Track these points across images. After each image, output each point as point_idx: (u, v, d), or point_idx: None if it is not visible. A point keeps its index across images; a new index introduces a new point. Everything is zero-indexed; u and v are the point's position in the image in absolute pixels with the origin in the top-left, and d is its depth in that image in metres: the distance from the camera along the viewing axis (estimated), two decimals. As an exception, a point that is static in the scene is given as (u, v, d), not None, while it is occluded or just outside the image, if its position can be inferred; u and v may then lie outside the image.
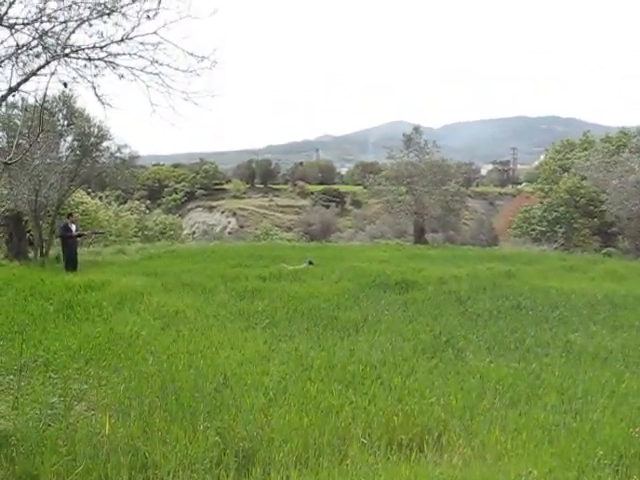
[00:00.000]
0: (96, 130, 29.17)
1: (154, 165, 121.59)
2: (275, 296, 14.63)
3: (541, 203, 44.64)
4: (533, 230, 44.05)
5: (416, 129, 42.80)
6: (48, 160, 26.82)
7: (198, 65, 6.93)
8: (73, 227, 22.38)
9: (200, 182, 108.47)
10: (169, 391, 7.23)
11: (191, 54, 6.77)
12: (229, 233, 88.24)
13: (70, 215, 23.45)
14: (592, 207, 40.17)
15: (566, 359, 9.15)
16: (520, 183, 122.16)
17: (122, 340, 10.07)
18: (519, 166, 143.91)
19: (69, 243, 22.05)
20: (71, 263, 21.51)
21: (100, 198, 47.63)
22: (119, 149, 30.09)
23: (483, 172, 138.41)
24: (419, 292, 15.49)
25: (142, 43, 6.72)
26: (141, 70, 7.06)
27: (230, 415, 6.44)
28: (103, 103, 7.44)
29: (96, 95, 7.36)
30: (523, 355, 9.36)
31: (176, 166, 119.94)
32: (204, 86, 7.28)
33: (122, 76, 7.23)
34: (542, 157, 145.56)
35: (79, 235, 23.40)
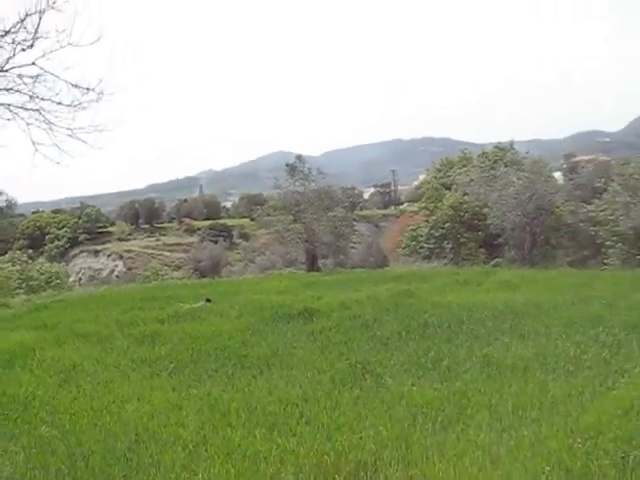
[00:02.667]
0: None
1: (33, 212, 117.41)
2: (176, 339, 13.96)
3: (427, 221, 45.61)
4: (422, 248, 44.90)
5: (298, 157, 42.89)
6: None
7: (83, 98, 6.38)
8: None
9: (83, 227, 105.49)
10: (77, 456, 6.57)
11: (75, 86, 6.24)
12: (117, 276, 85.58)
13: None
14: (476, 221, 41.38)
15: (487, 374, 9.06)
16: (402, 203, 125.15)
17: (16, 403, 9.23)
18: (400, 187, 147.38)
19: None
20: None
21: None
22: (-6, 198, 28.48)
23: (365, 196, 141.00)
24: (324, 320, 15.16)
25: (19, 76, 6.12)
26: (20, 107, 6.45)
27: (149, 476, 5.91)
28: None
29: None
30: (443, 374, 9.22)
31: (57, 212, 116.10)
32: (91, 121, 6.74)
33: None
34: (421, 177, 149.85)
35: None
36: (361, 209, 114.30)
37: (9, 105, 6.43)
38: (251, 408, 7.83)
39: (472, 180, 37.78)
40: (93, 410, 8.55)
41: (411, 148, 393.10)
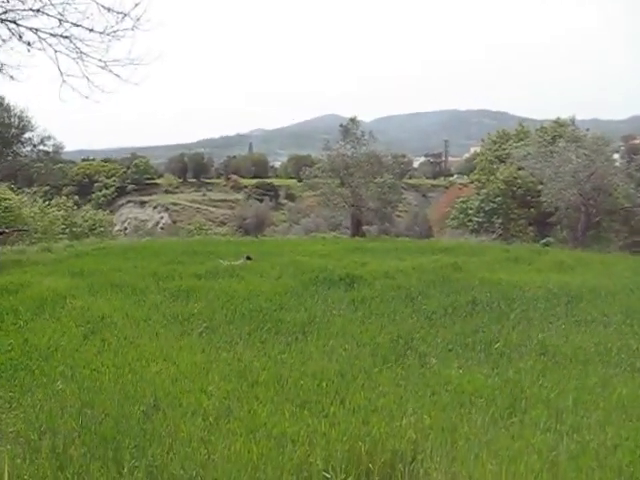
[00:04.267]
0: (17, 121, 27.19)
1: (83, 160, 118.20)
2: (212, 296, 13.42)
3: (478, 194, 44.32)
4: (470, 221, 43.71)
5: (352, 120, 41.83)
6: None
7: (118, 25, 5.67)
8: (-9, 225, 20.69)
9: (131, 177, 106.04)
10: (89, 419, 6.02)
11: (108, 10, 5.50)
12: (161, 229, 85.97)
13: (-13, 212, 21.68)
14: (529, 197, 40.05)
15: (543, 364, 8.26)
16: (452, 175, 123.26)
17: (38, 353, 8.77)
18: (450, 158, 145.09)
19: (-13, 242, 20.36)
20: (-10, 263, 19.85)
21: (29, 195, 45.41)
22: (42, 141, 28.14)
23: (415, 164, 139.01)
24: (366, 289, 14.45)
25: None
26: (48, 33, 5.78)
27: (163, 448, 5.32)
28: (3, 74, 6.16)
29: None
30: (494, 360, 8.43)
31: (106, 161, 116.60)
32: (126, 54, 6.03)
33: (29, 44, 5.97)
34: (473, 150, 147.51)
35: (-1, 233, 21.61)
36: (410, 177, 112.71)
37: (37, 30, 5.76)
38: (282, 380, 7.17)
39: (529, 154, 36.39)
40: (115, 367, 8.03)
41: (465, 119, 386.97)
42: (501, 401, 6.65)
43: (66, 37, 5.77)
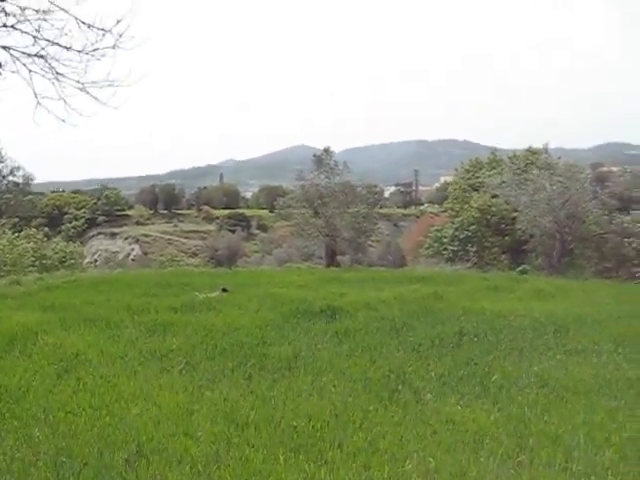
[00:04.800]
0: (-15, 152, 26.56)
1: (53, 192, 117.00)
2: (190, 330, 12.94)
3: (452, 223, 44.27)
4: (445, 250, 43.57)
5: (326, 150, 41.74)
6: None
7: (98, 44, 5.30)
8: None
9: (101, 208, 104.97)
10: (66, 469, 5.54)
11: (89, 26, 5.12)
12: (132, 260, 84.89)
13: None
14: (503, 225, 40.08)
15: (545, 397, 7.90)
16: (422, 204, 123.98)
17: (8, 394, 8.24)
18: (421, 188, 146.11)
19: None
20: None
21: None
22: (12, 171, 27.48)
23: (386, 194, 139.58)
24: (349, 320, 14.07)
25: (21, 8, 5.04)
26: (22, 52, 5.39)
27: (149, 502, 4.86)
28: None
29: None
30: (494, 394, 8.05)
31: (76, 192, 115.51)
32: (106, 75, 5.65)
33: (0, 65, 5.58)
34: (443, 179, 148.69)
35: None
36: (381, 207, 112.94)
37: (9, 48, 5.36)
38: (273, 422, 6.72)
39: (503, 182, 36.46)
40: (92, 408, 7.54)
41: (434, 149, 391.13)
42: (507, 440, 6.27)
43: (41, 57, 5.38)
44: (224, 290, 19.99)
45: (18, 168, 26.73)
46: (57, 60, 5.44)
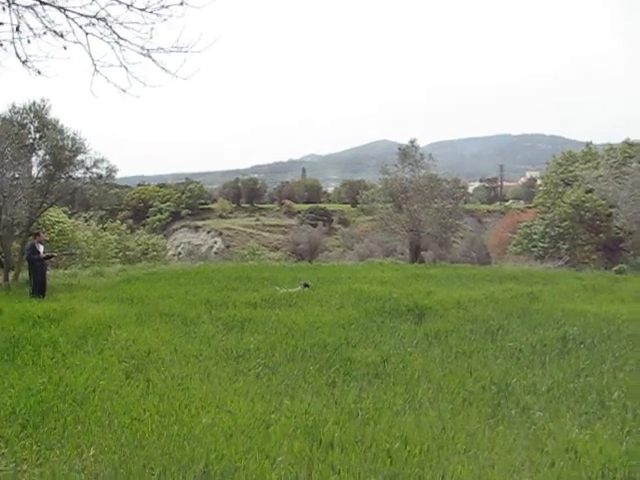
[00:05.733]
0: (70, 143, 26.53)
1: (139, 185, 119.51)
2: (269, 328, 12.21)
3: (542, 219, 42.33)
4: (535, 247, 41.72)
5: (412, 142, 40.51)
6: (16, 175, 24.45)
7: (163, 1, 4.49)
8: (41, 248, 19.85)
9: (185, 202, 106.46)
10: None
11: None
12: (215, 253, 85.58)
13: (37, 234, 20.82)
14: (598, 221, 37.98)
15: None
16: (507, 200, 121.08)
17: (74, 394, 7.63)
18: (505, 183, 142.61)
19: (36, 265, 19.50)
20: (38, 288, 18.98)
21: (85, 219, 45.36)
22: (95, 164, 27.27)
23: (470, 189, 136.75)
24: (439, 321, 13.05)
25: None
26: (78, 13, 4.63)
27: None
28: (28, 67, 5.04)
29: (17, 56, 4.97)
30: (621, 416, 6.85)
31: (161, 186, 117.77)
32: (173, 41, 4.85)
33: (62, 35, 4.84)
34: (529, 174, 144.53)
35: (47, 257, 20.74)
36: (465, 202, 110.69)
37: (65, 10, 4.61)
38: (363, 443, 5.79)
39: (600, 176, 34.42)
40: (160, 415, 6.82)
41: (519, 143, 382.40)
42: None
43: (101, 19, 4.63)
44: (305, 285, 19.29)
45: (102, 160, 26.45)
46: (119, 22, 4.68)
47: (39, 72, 5.16)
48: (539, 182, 59.34)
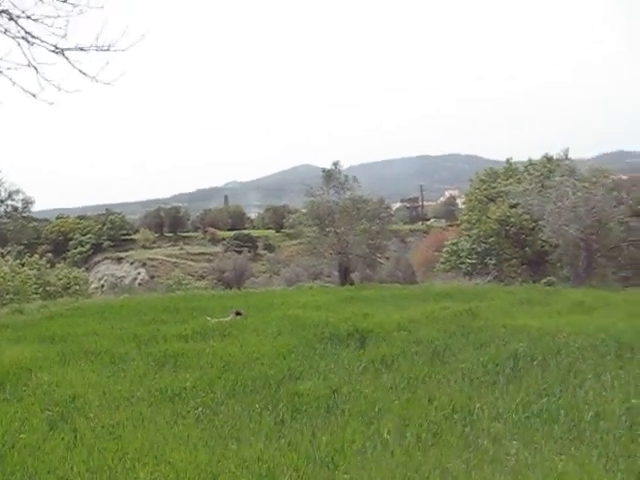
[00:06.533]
0: (-18, 176, 25.18)
1: (58, 218, 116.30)
2: (204, 362, 11.40)
3: (468, 236, 42.61)
4: (462, 263, 41.90)
5: (335, 164, 40.28)
6: None
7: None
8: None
9: (107, 233, 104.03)
10: None
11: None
12: (139, 284, 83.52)
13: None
14: (523, 236, 38.38)
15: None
16: (428, 220, 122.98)
17: (-10, 452, 6.72)
18: (426, 203, 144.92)
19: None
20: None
21: (1, 254, 43.30)
22: (10, 195, 25.93)
23: (391, 210, 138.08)
24: (383, 345, 12.43)
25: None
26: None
27: None
28: None
29: None
30: (603, 441, 6.23)
31: (81, 218, 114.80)
32: (94, 38, 4.14)
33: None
34: (448, 193, 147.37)
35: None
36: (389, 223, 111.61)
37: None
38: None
39: (527, 189, 34.76)
40: (90, 472, 6.00)
41: (437, 164, 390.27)
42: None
43: (3, 11, 3.88)
44: (238, 313, 18.47)
45: (17, 192, 25.22)
46: (26, 16, 3.95)
47: None
48: (463, 200, 60.05)
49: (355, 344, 12.79)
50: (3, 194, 25.22)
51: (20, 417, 8.11)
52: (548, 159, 40.67)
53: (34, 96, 4.29)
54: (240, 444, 6.58)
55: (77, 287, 50.68)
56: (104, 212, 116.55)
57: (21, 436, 7.25)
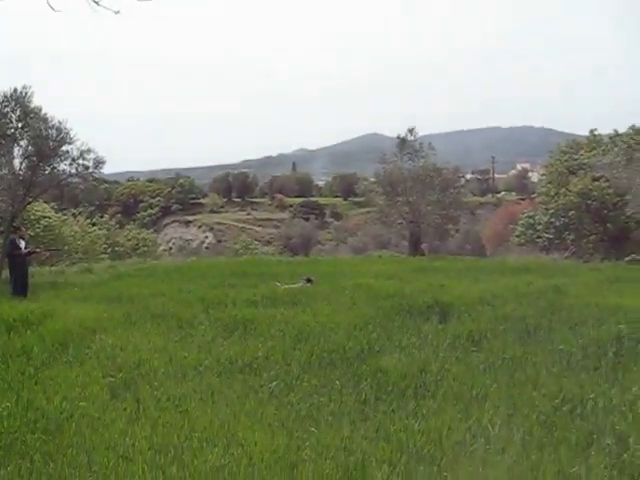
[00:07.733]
0: (54, 132, 24.91)
1: (128, 180, 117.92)
2: (276, 330, 10.67)
3: (546, 209, 40.78)
4: (539, 238, 40.21)
5: (410, 130, 39.11)
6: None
7: None
8: (22, 243, 18.22)
9: (176, 197, 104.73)
10: None
11: None
12: (206, 248, 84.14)
13: (18, 229, 19.27)
14: (605, 211, 36.42)
15: None
16: (499, 192, 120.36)
17: (45, 422, 6.14)
18: (497, 175, 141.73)
19: (17, 262, 17.87)
20: (19, 286, 17.36)
21: (74, 215, 43.70)
22: (82, 154, 25.55)
23: (465, 180, 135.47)
24: (467, 320, 11.50)
25: None
26: None
27: None
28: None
29: None
30: None
31: (151, 181, 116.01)
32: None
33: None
34: (519, 166, 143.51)
35: (29, 253, 19.09)
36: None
37: None
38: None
39: (612, 162, 32.85)
40: (153, 449, 5.32)
41: (509, 136, 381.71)
42: None
43: None
44: (308, 280, 17.83)
45: (88, 151, 24.78)
46: None
47: None
48: (537, 172, 58.01)
49: (435, 318, 11.90)
50: (75, 153, 24.78)
51: (81, 382, 7.54)
52: (636, 131, 38.34)
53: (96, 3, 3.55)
54: (320, 427, 5.79)
55: (145, 249, 51.08)
56: (173, 176, 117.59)
57: (81, 404, 6.65)
